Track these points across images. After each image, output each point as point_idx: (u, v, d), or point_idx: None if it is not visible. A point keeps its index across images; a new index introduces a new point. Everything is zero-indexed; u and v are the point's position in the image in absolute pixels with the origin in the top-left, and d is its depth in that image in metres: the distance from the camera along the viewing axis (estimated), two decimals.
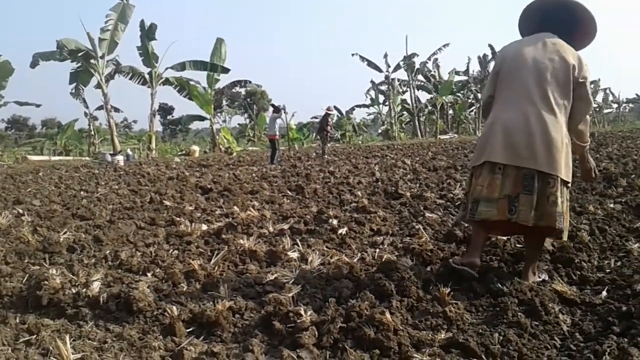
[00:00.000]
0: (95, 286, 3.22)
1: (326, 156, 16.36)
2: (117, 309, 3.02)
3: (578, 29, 3.23)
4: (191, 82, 26.57)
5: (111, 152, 22.08)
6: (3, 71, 22.81)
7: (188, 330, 2.75)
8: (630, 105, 52.68)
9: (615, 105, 51.65)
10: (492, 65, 3.14)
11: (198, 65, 25.66)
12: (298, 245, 4.23)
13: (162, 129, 57.66)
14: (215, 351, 2.39)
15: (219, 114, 44.07)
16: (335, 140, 26.42)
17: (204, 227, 5.28)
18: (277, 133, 15.65)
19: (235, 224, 5.25)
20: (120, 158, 18.90)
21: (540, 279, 3.22)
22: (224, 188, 8.48)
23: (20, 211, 6.60)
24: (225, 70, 26.49)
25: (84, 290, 3.18)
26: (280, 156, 16.62)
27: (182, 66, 25.37)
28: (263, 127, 37.13)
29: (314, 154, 19.48)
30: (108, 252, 4.37)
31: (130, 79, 25.55)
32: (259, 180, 9.81)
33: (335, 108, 34.81)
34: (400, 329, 2.55)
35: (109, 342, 2.59)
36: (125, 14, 23.38)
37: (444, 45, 35.15)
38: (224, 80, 28.18)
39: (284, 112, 16.22)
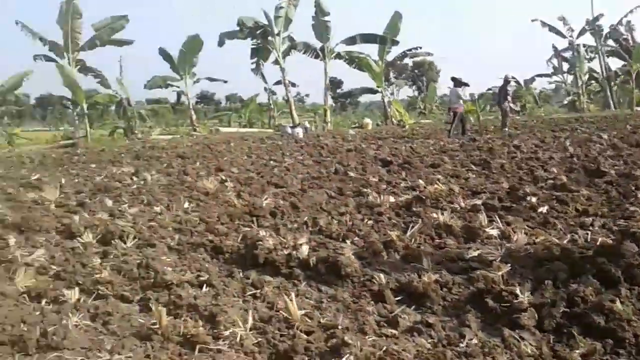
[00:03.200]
0: (304, 250, 3.43)
1: (507, 129, 15.41)
2: (326, 272, 3.19)
3: None
4: (361, 55, 26.89)
5: (290, 124, 23.37)
6: (193, 46, 25.08)
7: (397, 298, 2.79)
8: None
9: None
10: None
11: (368, 38, 25.85)
12: (497, 222, 4.05)
13: (332, 102, 59.57)
14: (431, 322, 2.40)
15: (387, 87, 44.07)
16: (515, 112, 24.67)
17: (392, 199, 5.32)
18: (462, 105, 15.02)
19: (424, 197, 5.21)
20: (299, 130, 19.89)
21: None
22: (403, 161, 8.47)
23: (223, 177, 7.29)
24: (395, 43, 26.34)
25: (294, 252, 3.42)
26: (455, 129, 16.02)
27: (352, 40, 25.75)
28: (433, 98, 36.29)
29: (492, 127, 18.52)
30: (306, 218, 4.63)
31: (304, 54, 26.65)
32: (438, 154, 9.60)
33: (512, 78, 32.52)
34: (633, 319, 2.29)
35: (324, 303, 2.74)
36: None
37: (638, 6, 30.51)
38: (394, 52, 27.99)
39: (465, 85, 15.44)
